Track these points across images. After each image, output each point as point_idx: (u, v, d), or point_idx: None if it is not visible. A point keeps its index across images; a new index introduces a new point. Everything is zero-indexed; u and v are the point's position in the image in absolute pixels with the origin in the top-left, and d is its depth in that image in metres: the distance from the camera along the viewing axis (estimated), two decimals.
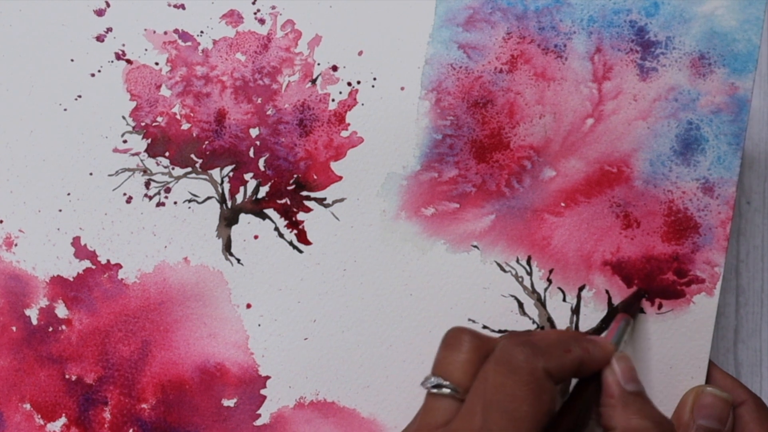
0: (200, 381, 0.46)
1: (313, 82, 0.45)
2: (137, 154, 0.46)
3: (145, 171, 0.46)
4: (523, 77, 0.44)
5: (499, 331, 0.45)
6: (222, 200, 0.46)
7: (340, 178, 0.45)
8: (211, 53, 0.46)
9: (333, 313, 0.45)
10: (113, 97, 0.46)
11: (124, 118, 0.46)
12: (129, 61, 0.46)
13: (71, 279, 0.46)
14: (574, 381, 0.41)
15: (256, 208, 0.46)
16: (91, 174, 0.46)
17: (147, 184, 0.46)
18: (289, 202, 0.46)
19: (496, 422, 0.35)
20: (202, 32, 0.46)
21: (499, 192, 0.45)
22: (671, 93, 0.44)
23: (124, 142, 0.46)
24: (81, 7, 0.46)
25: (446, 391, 0.38)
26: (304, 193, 0.46)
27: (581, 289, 0.44)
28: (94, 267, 0.46)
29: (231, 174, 0.46)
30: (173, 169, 0.46)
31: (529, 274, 0.44)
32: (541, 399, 0.36)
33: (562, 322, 0.44)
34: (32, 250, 0.46)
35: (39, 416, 0.46)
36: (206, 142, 0.46)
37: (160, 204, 0.46)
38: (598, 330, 0.44)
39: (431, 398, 0.38)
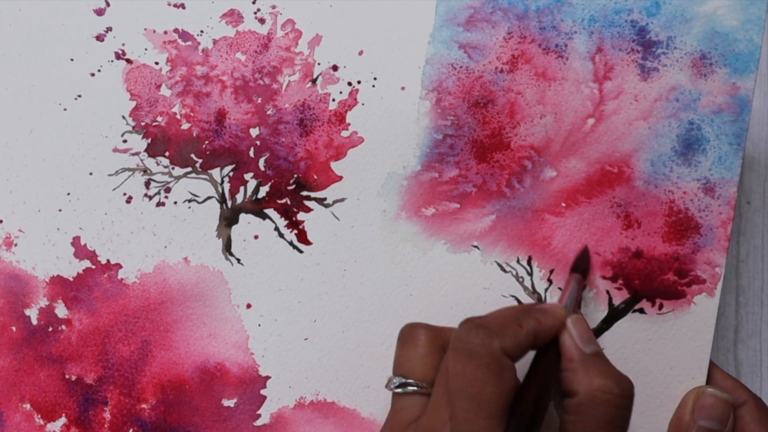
0: (200, 381, 0.46)
1: (314, 81, 0.45)
2: (137, 153, 0.46)
3: (145, 171, 0.46)
4: (523, 77, 0.44)
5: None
6: (222, 200, 0.46)
7: (341, 178, 0.45)
8: (211, 53, 0.46)
9: (333, 313, 0.45)
10: (113, 97, 0.46)
11: (124, 117, 0.46)
12: (129, 61, 0.46)
13: (71, 279, 0.46)
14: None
15: (257, 208, 0.46)
16: (91, 174, 0.46)
17: (147, 184, 0.46)
18: (289, 202, 0.46)
19: (463, 409, 0.35)
20: (202, 32, 0.46)
21: (500, 192, 0.45)
22: (672, 93, 0.44)
23: (124, 141, 0.46)
24: (81, 7, 0.46)
25: (411, 388, 0.38)
26: (305, 193, 0.45)
27: (582, 289, 0.44)
28: (94, 267, 0.46)
29: (231, 174, 0.46)
30: (173, 168, 0.46)
31: (530, 274, 0.44)
32: (502, 378, 0.36)
33: None
34: (32, 250, 0.46)
35: (39, 416, 0.46)
36: (206, 142, 0.46)
37: (160, 204, 0.46)
38: (599, 330, 0.44)
39: (398, 398, 0.39)
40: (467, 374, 0.36)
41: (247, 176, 0.46)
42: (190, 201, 0.46)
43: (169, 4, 0.46)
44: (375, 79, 0.45)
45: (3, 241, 0.47)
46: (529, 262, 0.44)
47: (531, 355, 0.39)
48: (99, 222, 0.46)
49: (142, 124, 0.46)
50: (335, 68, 0.45)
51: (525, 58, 0.44)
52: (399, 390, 0.38)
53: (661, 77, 0.44)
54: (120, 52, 0.46)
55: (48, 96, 0.46)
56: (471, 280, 0.45)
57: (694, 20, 0.43)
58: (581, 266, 0.43)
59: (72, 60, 0.46)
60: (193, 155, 0.46)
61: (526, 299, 0.44)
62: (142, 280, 0.46)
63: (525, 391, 0.38)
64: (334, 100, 0.45)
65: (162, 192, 0.46)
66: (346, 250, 0.45)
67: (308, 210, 0.45)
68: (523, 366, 0.39)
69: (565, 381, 0.38)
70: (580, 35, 0.44)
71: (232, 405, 0.46)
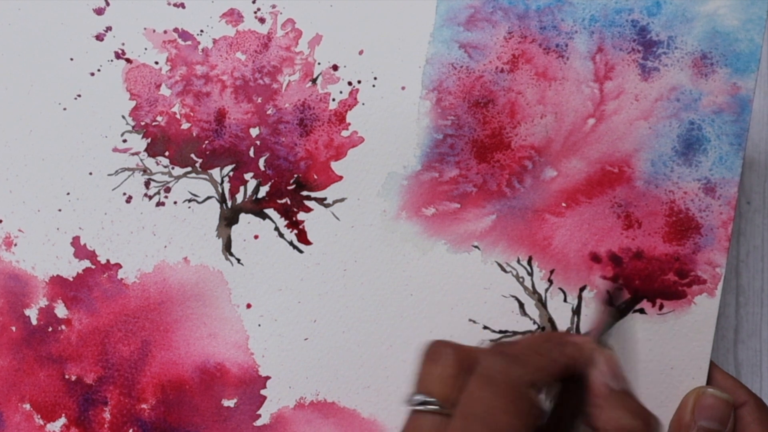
0: (200, 381, 0.46)
1: (314, 81, 0.45)
2: (137, 153, 0.46)
3: (144, 170, 0.46)
4: (524, 77, 0.44)
5: (500, 332, 0.45)
6: (222, 200, 0.46)
7: (341, 177, 0.45)
8: (211, 52, 0.46)
9: (333, 314, 0.45)
10: (113, 97, 0.46)
11: (123, 117, 0.46)
12: (129, 60, 0.46)
13: (71, 279, 0.46)
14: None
15: (256, 208, 0.46)
16: (90, 173, 0.46)
17: (147, 184, 0.46)
18: (289, 202, 0.46)
19: None
20: (202, 31, 0.46)
21: (500, 192, 0.45)
22: (673, 93, 0.43)
23: (124, 141, 0.46)
24: (80, 6, 0.46)
25: (431, 407, 0.37)
26: (305, 193, 0.45)
27: (582, 289, 0.44)
28: (93, 267, 0.46)
29: (231, 174, 0.46)
30: (173, 168, 0.46)
31: (530, 274, 0.44)
32: (520, 408, 0.35)
33: (563, 322, 0.44)
34: (32, 250, 0.46)
35: (39, 416, 0.46)
36: (206, 142, 0.46)
37: (159, 204, 0.46)
38: None
39: (416, 415, 0.37)
40: (485, 401, 0.35)
41: (247, 176, 0.46)
42: (190, 201, 0.46)
43: (169, 4, 0.46)
44: (375, 78, 0.45)
45: (3, 240, 0.47)
46: (529, 262, 0.44)
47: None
48: (99, 222, 0.46)
49: (142, 123, 0.46)
50: (335, 68, 0.45)
51: (525, 57, 0.44)
52: (419, 407, 0.38)
53: (662, 77, 0.44)
54: (120, 51, 0.46)
55: (48, 96, 0.46)
56: (471, 280, 0.45)
57: (694, 20, 0.43)
58: (613, 301, 0.43)
59: (72, 59, 0.46)
60: (193, 155, 0.46)
61: (527, 299, 0.44)
62: (141, 280, 0.46)
63: (549, 424, 0.37)
64: (334, 99, 0.45)
65: (162, 192, 0.46)
66: (347, 250, 0.45)
67: (308, 210, 0.45)
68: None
69: (593, 417, 0.38)
70: (580, 35, 0.44)
71: (232, 405, 0.46)
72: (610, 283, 0.44)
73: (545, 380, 0.37)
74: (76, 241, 0.46)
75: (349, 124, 0.45)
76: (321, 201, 0.45)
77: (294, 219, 0.45)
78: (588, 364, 0.38)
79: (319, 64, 0.45)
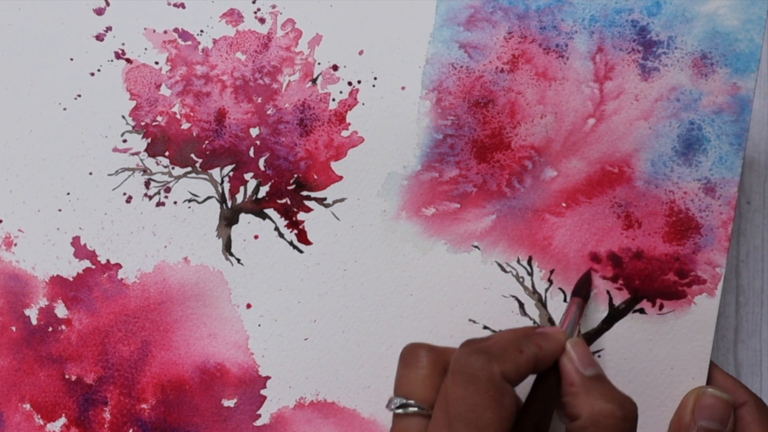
0: (200, 381, 0.46)
1: (314, 81, 0.45)
2: (137, 153, 0.46)
3: (144, 170, 0.46)
4: (524, 77, 0.44)
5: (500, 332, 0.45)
6: (222, 200, 0.46)
7: (341, 177, 0.45)
8: (211, 52, 0.46)
9: (333, 314, 0.45)
10: (113, 97, 0.46)
11: (123, 117, 0.46)
12: (129, 60, 0.46)
13: (71, 279, 0.46)
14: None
15: (257, 208, 0.46)
16: (90, 173, 0.46)
17: (147, 184, 0.46)
18: (289, 202, 0.46)
19: None
20: (202, 31, 0.46)
21: (500, 192, 0.45)
22: (673, 93, 0.43)
23: (124, 141, 0.46)
24: (80, 6, 0.46)
25: (412, 410, 0.38)
26: (305, 193, 0.45)
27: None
28: (93, 267, 0.46)
29: (231, 174, 0.46)
30: (173, 168, 0.46)
31: (530, 274, 0.44)
32: (502, 404, 0.36)
33: None
34: (32, 250, 0.46)
35: (39, 416, 0.46)
36: (206, 142, 0.46)
37: (160, 204, 0.46)
38: (599, 331, 0.44)
39: (398, 419, 0.38)
40: (467, 399, 0.35)
41: (247, 176, 0.46)
42: (190, 201, 0.46)
43: (169, 4, 0.46)
44: (375, 78, 0.45)
45: (3, 240, 0.47)
46: (529, 262, 0.44)
47: (531, 378, 0.39)
48: (99, 222, 0.46)
49: (142, 123, 0.46)
50: (335, 68, 0.45)
51: (525, 57, 0.44)
52: (400, 411, 0.38)
53: (662, 77, 0.43)
54: (120, 51, 0.46)
55: (48, 96, 0.46)
56: (471, 280, 0.45)
57: (694, 20, 0.43)
58: (583, 290, 0.43)
59: (72, 60, 0.46)
60: (193, 155, 0.46)
61: (527, 299, 0.44)
62: (142, 280, 0.46)
63: (525, 416, 0.38)
64: (334, 99, 0.45)
65: (162, 192, 0.46)
66: (347, 250, 0.45)
67: (308, 210, 0.45)
68: (522, 389, 0.39)
69: (567, 405, 0.38)
70: (580, 35, 0.44)
71: (232, 405, 0.46)
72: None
73: (523, 374, 0.37)
74: (76, 241, 0.46)
75: (349, 124, 0.45)
76: (321, 201, 0.45)
77: (294, 219, 0.45)
78: (559, 353, 0.39)
79: (319, 64, 0.45)
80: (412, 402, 0.38)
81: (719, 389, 0.42)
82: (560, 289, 0.44)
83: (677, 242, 0.44)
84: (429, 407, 0.38)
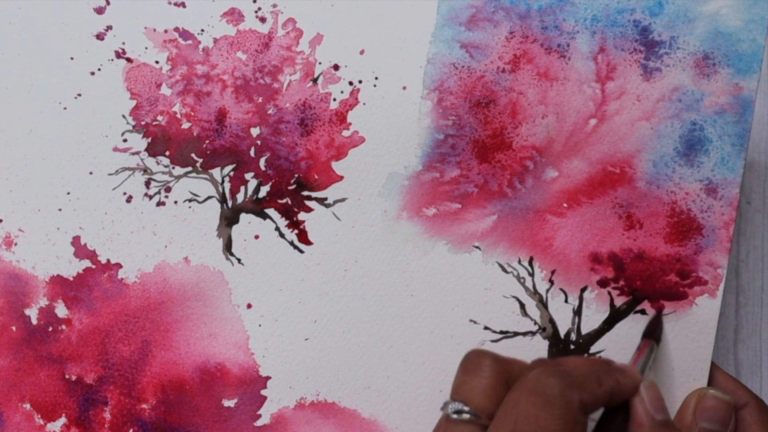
0: (200, 381, 0.46)
1: (315, 81, 0.45)
2: (137, 153, 0.46)
3: (145, 170, 0.46)
4: (525, 77, 0.44)
5: (501, 332, 0.44)
6: (222, 200, 0.46)
7: (342, 177, 0.45)
8: (211, 52, 0.46)
9: (334, 314, 0.45)
10: (113, 96, 0.46)
11: (124, 116, 0.46)
12: (129, 60, 0.46)
13: (71, 278, 0.46)
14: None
15: (257, 208, 0.46)
16: (91, 173, 0.46)
17: (147, 184, 0.46)
18: (290, 202, 0.45)
19: None
20: (202, 30, 0.46)
21: (501, 192, 0.44)
22: (675, 93, 0.43)
23: (125, 141, 0.46)
24: (81, 6, 0.46)
25: (467, 416, 0.37)
26: (305, 193, 0.45)
27: (583, 290, 0.44)
28: (94, 266, 0.46)
29: (232, 173, 0.46)
30: (173, 168, 0.46)
31: (531, 275, 0.44)
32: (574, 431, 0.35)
33: (564, 323, 0.44)
34: (32, 250, 0.46)
35: (39, 416, 0.46)
36: (207, 142, 0.46)
37: (160, 203, 0.46)
38: (600, 332, 0.44)
39: (450, 424, 0.37)
40: (540, 421, 0.35)
41: (248, 176, 0.46)
42: (190, 201, 0.46)
43: (170, 3, 0.46)
44: (376, 78, 0.45)
45: (3, 240, 0.46)
46: (530, 262, 0.44)
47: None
48: (99, 221, 0.46)
49: (143, 123, 0.46)
50: (336, 68, 0.45)
51: (527, 57, 0.44)
52: (455, 416, 0.37)
53: (664, 77, 0.43)
54: (120, 50, 0.46)
55: (48, 95, 0.46)
56: (472, 280, 0.45)
57: (697, 20, 0.43)
58: (656, 333, 0.42)
59: (72, 59, 0.46)
60: (193, 155, 0.46)
61: (528, 300, 0.44)
62: (142, 279, 0.46)
63: None
64: (335, 99, 0.45)
65: (162, 191, 0.46)
66: (347, 250, 0.45)
67: (309, 210, 0.45)
68: None
69: None
70: (582, 35, 0.44)
71: (232, 405, 0.46)
72: (655, 314, 0.43)
73: (598, 405, 0.37)
74: (76, 241, 0.46)
75: (350, 124, 0.45)
76: (322, 201, 0.45)
77: (295, 219, 0.45)
78: (632, 392, 0.38)
79: (320, 63, 0.45)
80: (468, 409, 0.37)
81: (720, 390, 0.42)
82: (561, 289, 0.44)
83: (678, 243, 0.43)
84: (486, 417, 0.37)
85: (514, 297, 0.44)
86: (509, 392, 0.36)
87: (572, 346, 0.44)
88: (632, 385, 0.38)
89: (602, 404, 0.37)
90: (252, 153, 0.45)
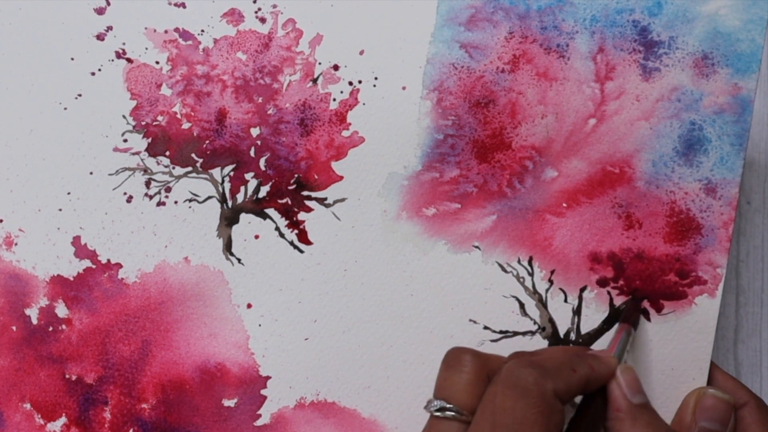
0: (200, 381, 0.46)
1: (315, 81, 0.45)
2: (138, 153, 0.46)
3: (145, 170, 0.46)
4: (525, 77, 0.44)
5: (501, 332, 0.45)
6: (223, 200, 0.46)
7: (341, 177, 0.45)
8: (211, 52, 0.46)
9: (334, 314, 0.45)
10: (113, 96, 0.46)
11: (124, 117, 0.46)
12: (129, 60, 0.46)
13: (71, 278, 0.46)
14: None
15: (257, 208, 0.46)
16: (91, 173, 0.46)
17: (147, 184, 0.46)
18: (290, 202, 0.45)
19: None
20: (202, 31, 0.46)
21: (501, 192, 0.45)
22: (674, 93, 0.43)
23: (125, 141, 0.46)
24: (81, 6, 0.46)
25: (450, 414, 0.38)
26: (305, 193, 0.45)
27: (583, 290, 0.44)
28: (94, 266, 0.46)
29: (232, 173, 0.46)
30: (174, 168, 0.46)
31: (531, 274, 0.44)
32: (550, 421, 0.35)
33: (563, 323, 0.44)
34: (32, 250, 0.46)
35: (39, 416, 0.46)
36: (207, 142, 0.46)
37: (160, 203, 0.46)
38: (599, 331, 0.44)
39: (435, 421, 0.38)
40: (516, 412, 0.35)
41: (248, 176, 0.46)
42: (190, 201, 0.46)
43: (170, 4, 0.46)
44: (376, 78, 0.45)
45: (3, 240, 0.46)
46: (530, 262, 0.44)
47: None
48: (99, 221, 0.46)
49: (143, 123, 0.46)
50: (336, 68, 0.45)
51: (526, 58, 0.44)
52: (438, 413, 0.38)
53: (663, 77, 0.43)
54: (120, 51, 0.46)
55: (48, 95, 0.46)
56: (472, 280, 0.45)
57: (696, 20, 0.43)
58: (632, 317, 0.43)
59: (72, 59, 0.46)
60: (193, 155, 0.46)
61: (527, 300, 0.44)
62: (142, 279, 0.46)
63: None
64: (335, 99, 0.45)
65: (162, 191, 0.46)
66: (347, 250, 0.45)
67: (309, 210, 0.45)
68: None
69: (612, 430, 0.38)
70: (581, 35, 0.44)
71: (232, 405, 0.46)
72: (631, 300, 0.43)
73: (573, 393, 0.37)
74: (76, 241, 0.46)
75: (350, 124, 0.45)
76: (321, 201, 0.45)
77: (294, 219, 0.45)
78: (609, 378, 0.39)
79: (319, 63, 0.45)
80: (451, 406, 0.38)
81: (720, 390, 0.42)
82: (561, 289, 0.44)
83: (678, 243, 0.44)
84: (468, 413, 0.37)
85: (513, 297, 0.44)
86: (488, 387, 0.37)
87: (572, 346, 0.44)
88: (608, 370, 0.39)
89: (578, 391, 0.38)
90: (252, 153, 0.46)
